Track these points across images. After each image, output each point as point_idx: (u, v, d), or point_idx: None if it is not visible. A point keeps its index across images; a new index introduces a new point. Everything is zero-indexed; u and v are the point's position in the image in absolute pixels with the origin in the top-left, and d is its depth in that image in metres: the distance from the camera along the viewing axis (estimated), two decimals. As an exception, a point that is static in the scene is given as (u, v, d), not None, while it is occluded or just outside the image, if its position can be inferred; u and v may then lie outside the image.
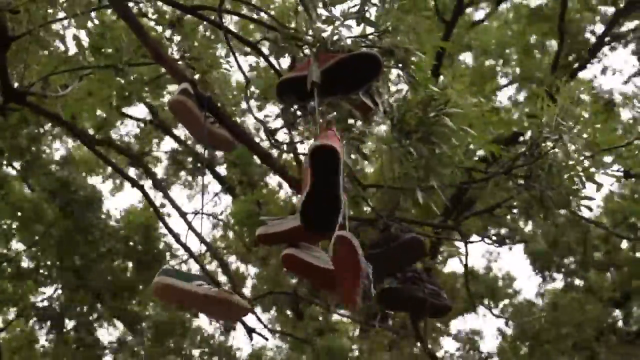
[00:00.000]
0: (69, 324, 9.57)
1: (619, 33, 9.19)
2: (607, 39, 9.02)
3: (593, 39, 9.05)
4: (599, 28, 9.09)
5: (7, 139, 7.23)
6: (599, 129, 2.60)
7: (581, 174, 2.43)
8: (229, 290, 2.16)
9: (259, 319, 4.84)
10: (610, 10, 8.88)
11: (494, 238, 8.79)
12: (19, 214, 8.25)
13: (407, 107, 2.23)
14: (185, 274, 2.18)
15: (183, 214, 4.46)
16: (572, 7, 8.66)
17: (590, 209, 2.50)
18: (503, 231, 9.49)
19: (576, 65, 8.73)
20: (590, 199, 2.48)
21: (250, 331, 3.72)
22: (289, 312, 10.06)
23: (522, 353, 10.27)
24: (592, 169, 2.47)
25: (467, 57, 9.50)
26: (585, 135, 2.46)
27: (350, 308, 2.03)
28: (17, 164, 8.41)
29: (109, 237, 8.46)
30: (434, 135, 2.14)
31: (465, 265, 3.22)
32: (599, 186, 2.50)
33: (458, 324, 11.82)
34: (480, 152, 2.74)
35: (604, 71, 9.32)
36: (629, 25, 9.16)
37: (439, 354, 9.54)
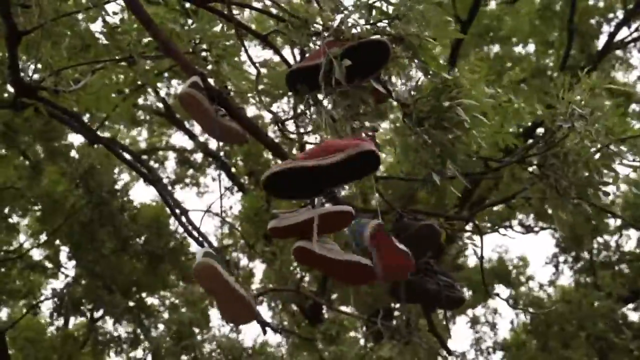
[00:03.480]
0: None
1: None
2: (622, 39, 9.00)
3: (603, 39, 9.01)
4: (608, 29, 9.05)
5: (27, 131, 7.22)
6: (614, 118, 2.57)
7: (597, 163, 2.40)
8: (251, 294, 2.13)
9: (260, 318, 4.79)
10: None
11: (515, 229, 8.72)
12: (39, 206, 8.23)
13: (420, 95, 2.22)
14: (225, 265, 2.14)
15: (185, 211, 4.44)
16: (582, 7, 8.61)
17: (608, 194, 2.47)
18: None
19: (584, 65, 8.68)
20: (607, 183, 2.45)
21: (264, 325, 3.71)
22: (295, 310, 10.02)
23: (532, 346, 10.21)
24: (608, 159, 2.44)
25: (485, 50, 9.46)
26: (599, 125, 2.43)
27: (384, 278, 2.05)
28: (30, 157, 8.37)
29: (133, 226, 8.39)
30: (447, 121, 2.14)
31: (481, 257, 3.19)
32: (617, 176, 2.47)
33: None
34: (495, 143, 2.72)
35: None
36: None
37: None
